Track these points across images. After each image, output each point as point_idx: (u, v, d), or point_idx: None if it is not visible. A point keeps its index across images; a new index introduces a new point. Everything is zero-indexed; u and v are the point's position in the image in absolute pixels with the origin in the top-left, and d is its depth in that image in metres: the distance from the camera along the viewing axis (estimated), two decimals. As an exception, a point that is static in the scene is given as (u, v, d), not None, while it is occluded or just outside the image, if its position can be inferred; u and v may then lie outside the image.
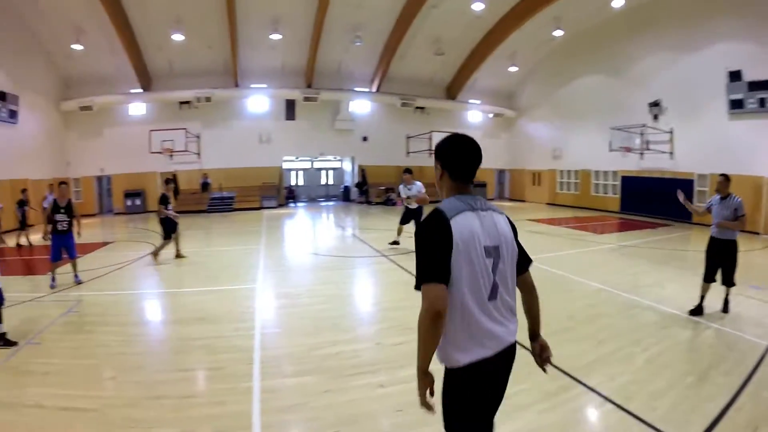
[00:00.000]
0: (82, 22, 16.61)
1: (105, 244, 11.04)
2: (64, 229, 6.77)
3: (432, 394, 1.67)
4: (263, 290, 6.46)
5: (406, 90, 20.86)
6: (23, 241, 11.18)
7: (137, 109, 20.14)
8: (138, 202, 19.77)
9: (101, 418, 3.15)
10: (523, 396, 3.16)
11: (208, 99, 19.19)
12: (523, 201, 22.06)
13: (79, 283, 6.94)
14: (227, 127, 20.14)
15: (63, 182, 7.17)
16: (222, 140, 19.96)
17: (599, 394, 3.23)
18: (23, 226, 11.31)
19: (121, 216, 19.17)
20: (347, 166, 24.20)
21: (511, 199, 23.34)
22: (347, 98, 20.57)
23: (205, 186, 19.47)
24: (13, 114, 15.74)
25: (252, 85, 19.99)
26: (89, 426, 3.06)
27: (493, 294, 1.68)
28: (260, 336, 4.55)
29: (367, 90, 21.02)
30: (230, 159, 19.83)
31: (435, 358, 1.65)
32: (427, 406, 1.66)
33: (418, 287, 1.59)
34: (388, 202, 19.92)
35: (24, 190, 12.05)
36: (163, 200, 8.47)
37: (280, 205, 20.41)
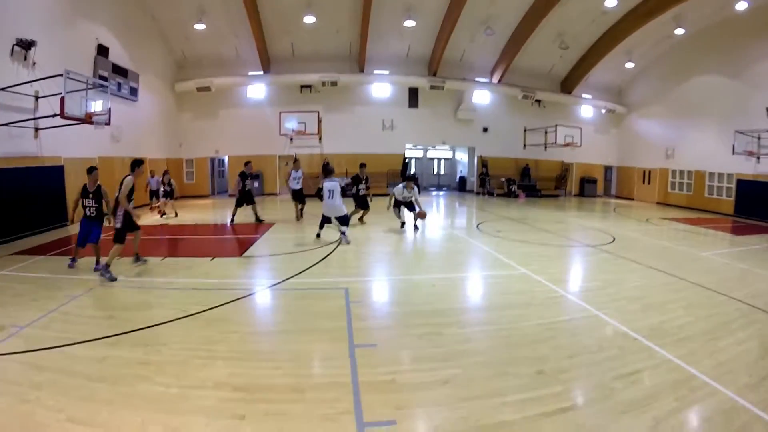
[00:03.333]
0: (206, 3, 19.94)
1: (269, 226, 13.46)
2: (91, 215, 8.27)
3: None
4: (545, 276, 8.02)
5: (524, 82, 24.77)
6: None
7: (256, 91, 23.77)
8: (256, 184, 23.69)
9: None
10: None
11: (334, 83, 23.03)
12: (631, 199, 25.84)
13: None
14: (349, 112, 23.98)
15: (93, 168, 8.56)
16: (344, 125, 23.76)
17: None
18: (250, 200, 14.01)
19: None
20: (460, 156, 28.53)
21: (617, 197, 27.20)
22: (471, 88, 24.49)
23: (327, 170, 23.51)
24: (133, 91, 18.92)
25: (375, 71, 23.90)
26: None
27: None
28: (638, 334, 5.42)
29: (488, 81, 25.10)
30: (352, 144, 23.47)
31: None
32: None
33: None
34: (511, 195, 24.03)
35: (247, 163, 14.44)
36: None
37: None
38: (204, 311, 6.17)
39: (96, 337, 5.27)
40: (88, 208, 8.24)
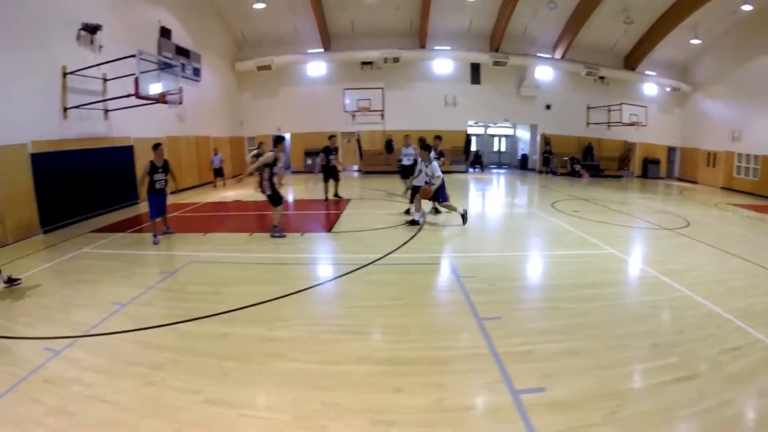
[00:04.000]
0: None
1: (347, 202, 14.16)
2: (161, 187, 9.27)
3: None
4: (632, 257, 8.78)
5: (587, 58, 24.55)
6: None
7: (316, 69, 24.35)
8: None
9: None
10: None
11: (395, 60, 23.45)
12: (695, 182, 25.24)
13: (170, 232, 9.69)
14: (411, 88, 24.45)
15: (157, 144, 9.27)
16: (406, 102, 24.28)
17: None
18: (334, 176, 14.05)
19: (300, 174, 23.83)
20: (521, 133, 28.76)
21: (680, 179, 26.68)
22: (533, 64, 24.54)
23: (389, 147, 24.22)
24: (197, 72, 19.57)
25: (436, 47, 24.08)
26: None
27: None
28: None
29: (550, 56, 24.99)
30: (414, 121, 23.74)
31: None
32: None
33: None
34: (575, 174, 24.25)
35: (331, 137, 14.31)
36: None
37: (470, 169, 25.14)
38: (313, 286, 6.48)
39: (208, 314, 5.30)
40: (158, 182, 9.17)
